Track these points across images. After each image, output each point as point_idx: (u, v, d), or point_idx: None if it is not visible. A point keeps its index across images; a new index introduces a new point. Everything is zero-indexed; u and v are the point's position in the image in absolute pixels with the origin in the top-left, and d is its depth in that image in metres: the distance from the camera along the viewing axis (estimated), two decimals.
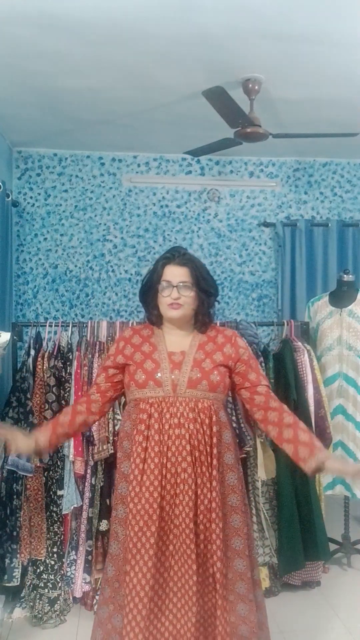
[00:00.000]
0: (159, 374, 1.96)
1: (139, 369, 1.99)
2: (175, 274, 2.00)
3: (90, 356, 2.85)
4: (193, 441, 1.91)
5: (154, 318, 2.07)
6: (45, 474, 2.80)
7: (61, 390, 2.81)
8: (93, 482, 2.78)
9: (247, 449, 2.86)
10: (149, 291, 2.05)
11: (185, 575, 1.85)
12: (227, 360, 2.01)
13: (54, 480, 2.79)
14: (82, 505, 2.76)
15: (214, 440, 1.94)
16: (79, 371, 2.79)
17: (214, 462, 1.93)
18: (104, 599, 2.00)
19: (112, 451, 2.69)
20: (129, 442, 1.99)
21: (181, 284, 1.98)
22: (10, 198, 3.86)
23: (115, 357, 2.07)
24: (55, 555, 2.77)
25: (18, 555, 2.72)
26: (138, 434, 1.93)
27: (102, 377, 2.09)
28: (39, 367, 2.83)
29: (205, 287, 2.04)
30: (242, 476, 2.08)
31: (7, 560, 2.72)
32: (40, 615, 2.75)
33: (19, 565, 2.74)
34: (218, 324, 3.07)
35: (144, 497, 1.88)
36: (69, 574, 2.78)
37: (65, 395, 2.80)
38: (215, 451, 1.93)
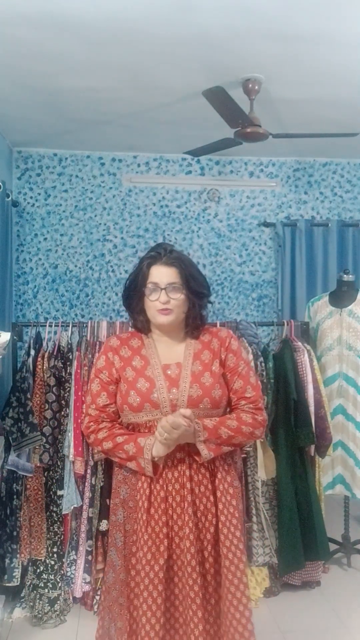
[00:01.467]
0: (155, 394, 1.79)
1: (132, 389, 1.81)
2: (162, 274, 1.81)
3: (90, 356, 2.85)
4: (193, 464, 1.80)
5: (140, 324, 1.90)
6: (45, 474, 2.80)
7: (61, 390, 2.81)
8: (93, 482, 2.78)
9: (247, 449, 2.86)
10: (134, 294, 1.86)
11: (191, 622, 1.75)
12: (222, 366, 1.88)
13: (54, 480, 2.79)
14: (82, 505, 2.76)
15: (217, 463, 1.83)
16: (79, 371, 2.79)
17: (218, 477, 1.83)
18: (103, 604, 1.96)
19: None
20: (125, 471, 1.88)
21: (170, 286, 1.80)
22: (10, 198, 3.86)
23: (110, 371, 1.88)
24: (55, 555, 2.77)
25: (18, 555, 2.72)
26: (141, 476, 1.81)
27: (105, 397, 1.87)
28: (39, 367, 2.83)
29: (196, 287, 1.85)
30: (240, 495, 1.96)
31: (7, 560, 2.72)
32: (40, 615, 2.75)
33: (19, 565, 2.74)
34: (218, 324, 3.09)
35: (149, 526, 1.78)
36: (69, 574, 2.78)
37: (65, 395, 2.81)
38: (216, 464, 1.83)
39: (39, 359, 2.85)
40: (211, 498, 1.82)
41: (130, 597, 1.82)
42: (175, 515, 1.79)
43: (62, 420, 2.78)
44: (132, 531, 1.84)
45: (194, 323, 1.90)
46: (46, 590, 2.76)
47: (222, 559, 1.81)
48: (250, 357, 2.92)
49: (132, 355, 1.88)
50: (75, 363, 2.81)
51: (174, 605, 1.80)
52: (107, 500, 2.74)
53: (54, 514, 2.78)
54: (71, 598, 2.86)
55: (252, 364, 2.90)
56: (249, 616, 1.83)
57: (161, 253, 1.86)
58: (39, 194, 4.38)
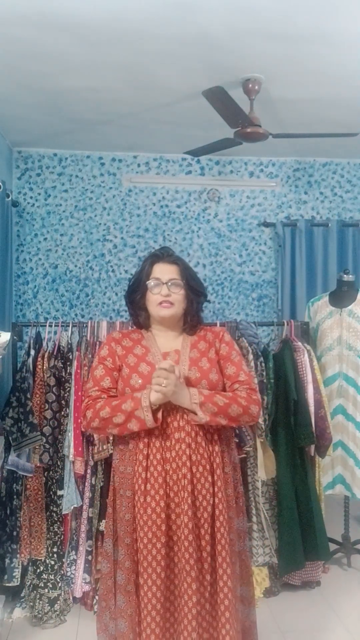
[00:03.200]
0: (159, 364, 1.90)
1: (134, 373, 1.92)
2: (164, 271, 1.97)
3: (90, 356, 2.85)
4: (192, 444, 1.86)
5: (142, 320, 2.03)
6: (45, 474, 2.80)
7: (61, 390, 2.81)
8: (93, 482, 2.78)
9: (247, 449, 2.86)
10: (137, 291, 2.01)
11: (184, 596, 1.80)
12: (217, 355, 2.00)
13: (54, 480, 2.79)
14: (82, 505, 2.76)
15: (215, 439, 1.91)
16: (79, 371, 2.79)
17: (217, 461, 1.89)
18: (101, 600, 1.99)
19: (112, 451, 2.69)
20: (120, 455, 1.95)
21: (171, 281, 1.95)
22: (10, 198, 3.86)
23: (114, 359, 1.98)
24: (55, 555, 2.77)
25: (18, 555, 2.72)
26: (139, 442, 1.88)
27: (108, 381, 1.96)
28: (39, 367, 2.83)
29: (194, 286, 2.01)
30: (240, 477, 2.05)
31: (7, 560, 2.72)
32: (40, 615, 2.75)
33: (19, 565, 2.74)
34: (218, 324, 3.09)
35: (149, 507, 1.84)
36: (69, 574, 2.78)
37: (65, 395, 2.81)
38: (217, 450, 1.90)
39: (39, 359, 2.85)
40: (209, 478, 1.87)
41: (137, 581, 1.86)
42: (172, 493, 1.85)
43: (62, 420, 2.78)
44: (131, 518, 1.88)
45: (191, 321, 2.04)
46: (46, 590, 2.76)
47: (216, 543, 1.86)
48: (250, 357, 2.92)
49: (134, 345, 2.01)
50: (75, 363, 2.81)
51: (169, 578, 1.85)
52: (107, 500, 2.74)
53: (54, 514, 2.78)
54: (71, 598, 2.86)
55: (252, 363, 2.90)
56: (234, 605, 1.86)
57: (163, 253, 2.04)
58: (39, 194, 4.38)
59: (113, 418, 1.86)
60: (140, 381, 1.90)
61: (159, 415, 1.84)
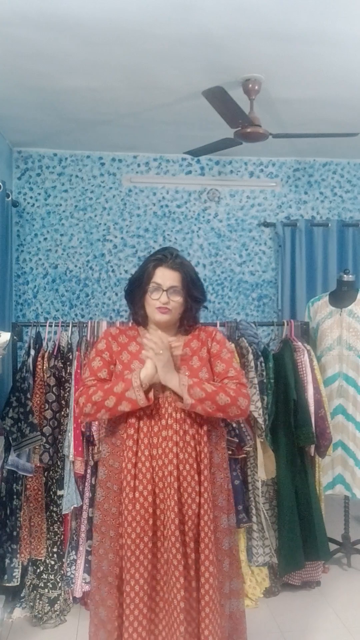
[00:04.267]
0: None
1: (126, 370, 1.95)
2: (166, 277, 1.96)
3: None
4: (179, 442, 1.88)
5: (140, 318, 2.05)
6: (45, 474, 2.80)
7: (61, 390, 2.81)
8: (93, 482, 2.78)
9: (247, 449, 2.86)
10: (137, 290, 2.01)
11: (173, 589, 1.83)
12: (208, 354, 2.02)
13: (54, 480, 2.79)
14: (82, 505, 2.76)
15: (205, 440, 1.92)
16: (79, 371, 2.79)
17: (204, 462, 1.90)
18: (91, 592, 2.02)
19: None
20: (108, 448, 1.98)
21: (171, 289, 1.95)
22: (10, 198, 3.86)
23: (111, 352, 2.02)
24: (55, 555, 2.77)
25: (18, 555, 2.72)
26: (128, 438, 1.90)
27: (105, 373, 2.00)
28: (39, 367, 2.83)
29: (194, 293, 2.01)
30: (228, 475, 2.07)
31: (7, 560, 2.72)
32: (40, 615, 2.75)
33: (19, 565, 2.74)
34: (218, 324, 3.09)
35: (138, 502, 1.86)
36: (69, 574, 2.78)
37: (65, 395, 2.81)
38: (205, 451, 1.91)
39: (39, 359, 2.85)
40: (196, 477, 1.89)
41: (120, 575, 1.89)
42: (158, 489, 1.87)
43: (62, 420, 2.78)
44: (117, 512, 1.91)
45: (187, 323, 2.06)
46: (46, 590, 2.76)
47: (199, 541, 1.88)
48: (250, 357, 2.92)
49: (129, 341, 2.04)
50: (75, 363, 2.81)
51: (152, 573, 1.88)
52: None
53: (54, 514, 2.78)
54: (71, 598, 2.86)
55: (252, 363, 2.90)
56: (217, 600, 1.88)
57: (167, 256, 2.00)
58: (39, 194, 4.38)
59: (105, 401, 1.88)
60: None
61: (151, 394, 1.88)
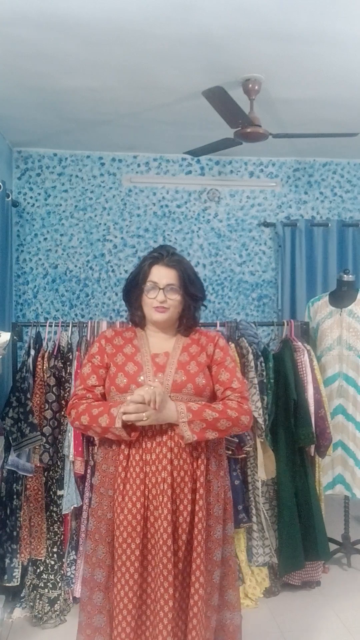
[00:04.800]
0: (142, 377, 1.87)
1: (120, 372, 1.90)
2: (162, 275, 1.91)
3: None
4: (174, 448, 1.83)
5: (137, 319, 2.00)
6: (45, 474, 2.80)
7: (61, 390, 2.81)
8: (93, 482, 2.78)
9: (247, 449, 2.86)
10: (134, 290, 1.97)
11: (160, 600, 1.79)
12: (209, 360, 1.96)
13: (54, 480, 2.79)
14: (82, 505, 2.76)
15: (202, 445, 1.86)
16: (78, 371, 2.79)
17: (200, 469, 1.86)
18: (81, 602, 1.96)
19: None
20: (103, 453, 1.94)
21: (168, 287, 1.90)
22: (10, 198, 3.86)
23: (102, 356, 1.96)
24: (55, 555, 2.77)
25: (18, 555, 2.72)
26: (122, 442, 1.86)
27: (94, 379, 1.95)
28: (39, 367, 2.83)
29: (192, 291, 1.95)
30: (227, 483, 2.00)
31: (7, 560, 2.72)
32: (40, 615, 2.75)
33: (19, 565, 2.74)
34: (218, 324, 3.09)
35: (126, 507, 1.82)
36: (69, 574, 2.78)
37: (65, 395, 2.80)
38: (202, 457, 1.86)
39: (39, 359, 2.85)
40: (189, 485, 1.84)
41: (113, 579, 1.86)
42: (151, 496, 1.82)
43: (62, 420, 2.78)
44: (112, 517, 1.86)
45: (187, 323, 2.00)
46: (46, 590, 2.76)
47: (192, 550, 1.84)
48: (250, 357, 2.92)
49: (125, 343, 1.98)
50: (75, 363, 2.81)
51: (146, 581, 1.84)
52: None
53: (54, 514, 2.78)
54: (71, 598, 2.86)
55: (252, 363, 2.90)
56: (203, 612, 1.85)
57: (163, 254, 1.95)
58: (39, 194, 4.38)
59: (92, 426, 1.86)
60: (125, 380, 1.88)
61: (139, 428, 1.81)
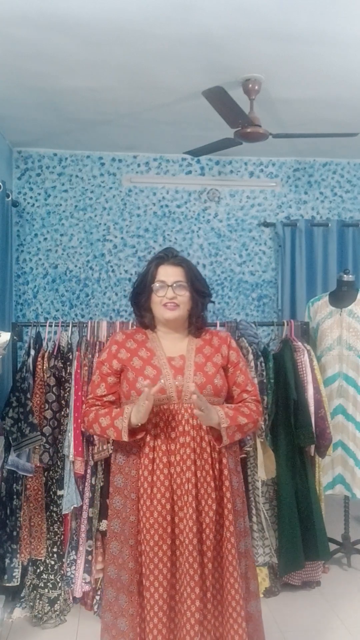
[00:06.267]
0: (162, 380, 1.89)
1: (140, 376, 1.92)
2: (169, 273, 1.97)
3: (90, 356, 2.85)
4: (197, 449, 1.87)
5: (147, 321, 2.03)
6: (45, 474, 2.80)
7: (61, 390, 2.81)
8: (93, 482, 2.78)
9: (247, 449, 2.86)
10: (142, 293, 2.01)
11: (187, 600, 1.81)
12: (224, 361, 2.01)
13: (54, 480, 2.79)
14: (82, 505, 2.76)
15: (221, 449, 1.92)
16: (79, 371, 2.79)
17: (225, 467, 1.91)
18: (107, 602, 1.97)
19: (113, 451, 2.69)
20: (124, 456, 1.95)
21: (176, 283, 1.95)
22: (10, 198, 3.86)
23: (110, 363, 1.99)
24: (55, 555, 2.77)
25: (18, 555, 2.72)
26: (145, 446, 1.88)
27: (103, 387, 2.00)
28: (39, 367, 2.83)
29: (199, 287, 2.01)
30: (242, 478, 2.07)
31: (7, 560, 2.72)
32: (40, 615, 2.75)
33: (19, 565, 2.74)
34: (218, 324, 3.09)
35: (156, 510, 1.85)
36: (69, 574, 2.78)
37: (65, 395, 2.81)
38: (222, 453, 1.91)
39: (39, 359, 2.85)
40: (212, 484, 1.88)
41: (141, 581, 1.87)
42: (176, 497, 1.86)
43: (62, 420, 2.78)
44: (136, 520, 1.89)
45: (196, 322, 2.04)
46: (46, 590, 2.76)
47: (223, 543, 1.89)
48: (250, 357, 2.92)
49: (138, 347, 2.00)
50: (75, 363, 2.81)
51: (172, 582, 1.86)
52: (107, 500, 2.74)
53: (54, 514, 2.78)
54: (71, 598, 2.86)
55: (252, 363, 2.90)
56: (243, 605, 1.89)
57: (168, 255, 2.03)
58: (39, 194, 4.38)
59: (104, 435, 1.95)
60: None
61: (144, 434, 1.89)
